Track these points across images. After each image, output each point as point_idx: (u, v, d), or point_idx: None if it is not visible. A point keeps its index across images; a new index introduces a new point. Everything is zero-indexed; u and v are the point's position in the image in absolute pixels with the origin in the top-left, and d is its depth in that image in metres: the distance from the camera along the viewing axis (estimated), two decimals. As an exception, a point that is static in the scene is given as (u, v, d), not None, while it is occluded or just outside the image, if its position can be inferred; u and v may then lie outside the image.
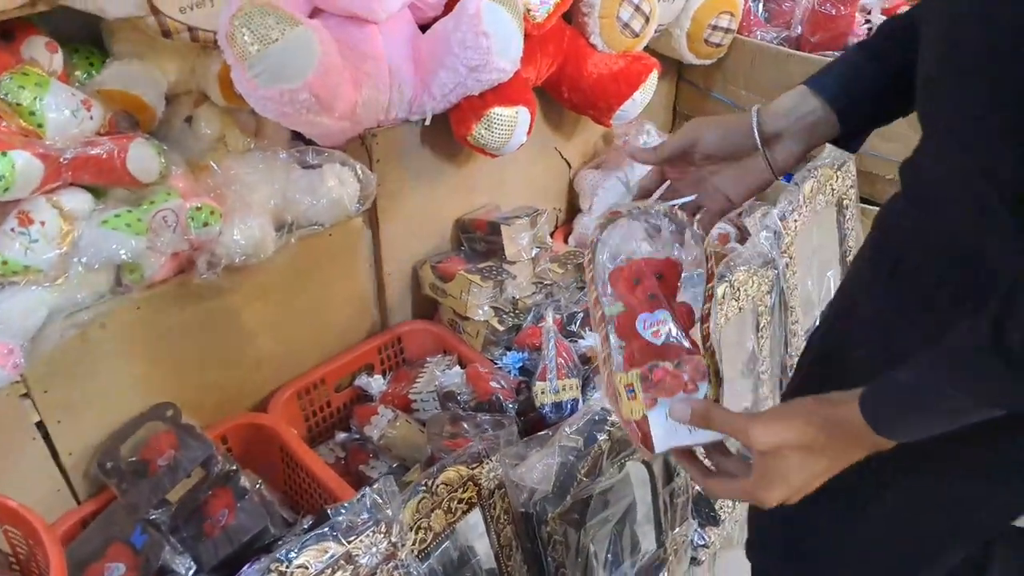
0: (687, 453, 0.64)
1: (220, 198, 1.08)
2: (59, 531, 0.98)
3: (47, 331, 0.94)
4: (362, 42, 1.07)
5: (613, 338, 0.67)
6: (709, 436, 0.61)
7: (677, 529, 1.10)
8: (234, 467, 1.02)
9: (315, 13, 1.10)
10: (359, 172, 1.13)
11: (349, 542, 0.69)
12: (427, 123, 1.16)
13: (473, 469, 0.85)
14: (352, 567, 0.70)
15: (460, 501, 0.84)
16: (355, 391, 1.30)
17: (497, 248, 1.29)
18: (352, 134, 1.15)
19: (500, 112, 1.14)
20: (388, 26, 1.09)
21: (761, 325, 1.24)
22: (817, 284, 1.36)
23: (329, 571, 0.68)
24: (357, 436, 1.23)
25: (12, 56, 0.96)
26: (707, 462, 0.65)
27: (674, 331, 0.65)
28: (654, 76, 1.33)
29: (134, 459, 1.03)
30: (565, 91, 1.33)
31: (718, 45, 1.48)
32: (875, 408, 0.51)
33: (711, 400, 0.62)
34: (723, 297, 1.13)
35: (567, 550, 0.97)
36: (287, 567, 0.65)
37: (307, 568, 0.66)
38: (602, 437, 0.93)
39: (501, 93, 1.15)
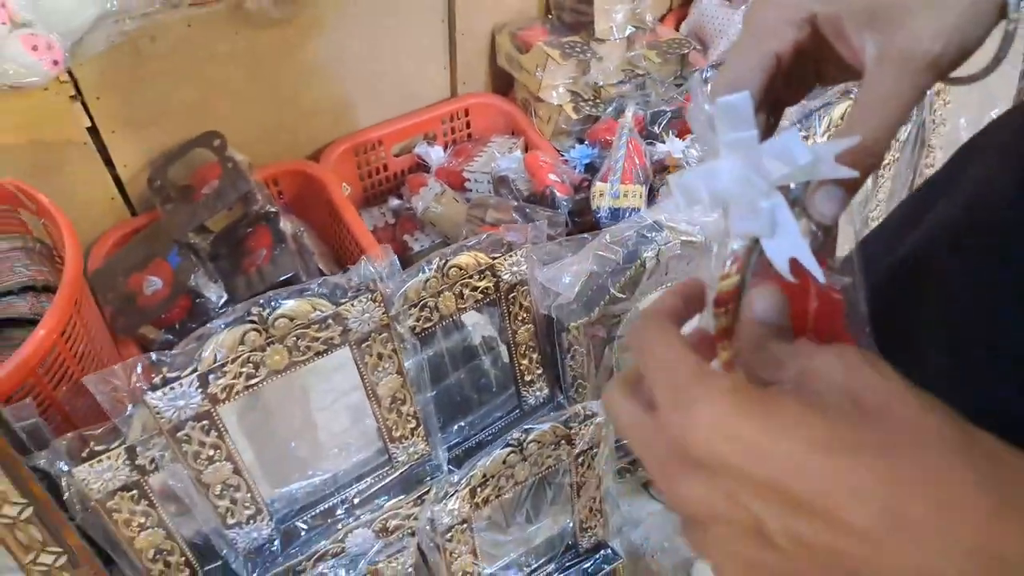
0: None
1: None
2: (113, 238, 1.03)
3: (96, 35, 0.90)
4: None
5: None
6: None
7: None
8: (274, 209, 1.01)
9: None
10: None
11: (340, 304, 0.67)
12: None
13: (494, 259, 0.79)
14: (341, 328, 0.69)
15: (474, 289, 0.80)
16: (413, 158, 1.24)
17: (587, 21, 1.13)
18: None
19: None
20: None
21: (885, 160, 1.06)
22: (972, 124, 1.12)
23: (316, 327, 0.67)
24: (408, 205, 1.20)
25: None
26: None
27: None
28: None
29: (180, 183, 1.04)
30: None
31: None
32: None
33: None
34: (843, 118, 0.95)
35: (589, 362, 0.94)
36: (268, 313, 0.64)
37: (290, 319, 0.65)
38: (648, 254, 0.84)
39: None
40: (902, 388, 0.24)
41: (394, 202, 1.23)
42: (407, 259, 1.12)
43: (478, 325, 0.93)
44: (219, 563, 0.78)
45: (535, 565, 0.96)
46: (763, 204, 0.29)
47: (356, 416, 0.85)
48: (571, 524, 0.95)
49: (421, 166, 1.24)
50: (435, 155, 1.22)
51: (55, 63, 0.85)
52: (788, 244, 0.29)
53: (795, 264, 0.29)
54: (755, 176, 0.29)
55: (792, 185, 0.31)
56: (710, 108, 0.30)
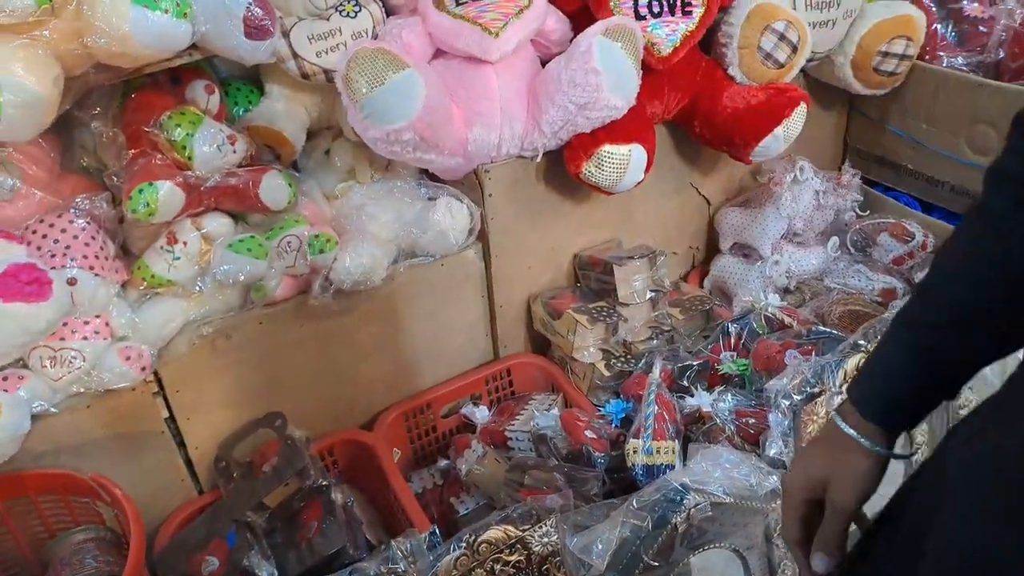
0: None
1: (341, 227, 1.16)
2: (179, 517, 1.10)
3: (180, 339, 1.06)
4: (477, 82, 1.08)
5: None
6: None
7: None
8: (326, 482, 1.08)
9: (438, 54, 1.13)
10: (468, 206, 1.14)
11: (369, 590, 0.70)
12: (537, 160, 1.14)
13: (524, 531, 0.82)
14: (371, 615, 0.71)
15: (506, 564, 0.81)
16: (460, 418, 1.31)
17: (610, 288, 1.24)
18: (468, 169, 1.16)
19: (611, 150, 1.10)
20: (505, 65, 1.09)
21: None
22: (1000, 363, 1.12)
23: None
24: (455, 466, 1.25)
25: (177, 99, 1.10)
26: None
27: None
28: (801, 110, 1.20)
29: (244, 461, 1.13)
30: (697, 126, 1.24)
31: (892, 74, 1.29)
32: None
33: None
34: (856, 369, 0.98)
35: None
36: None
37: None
38: (677, 519, 0.85)
39: (614, 130, 1.10)
40: None
41: (443, 463, 1.28)
42: (453, 523, 1.14)
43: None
44: None
45: None
46: None
47: None
48: None
49: (468, 426, 1.31)
50: (480, 415, 1.28)
51: (143, 369, 0.99)
52: None
53: None
54: None
55: None
56: None
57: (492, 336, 1.33)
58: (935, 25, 1.29)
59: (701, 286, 1.44)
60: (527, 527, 0.82)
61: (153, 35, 0.90)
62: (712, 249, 1.48)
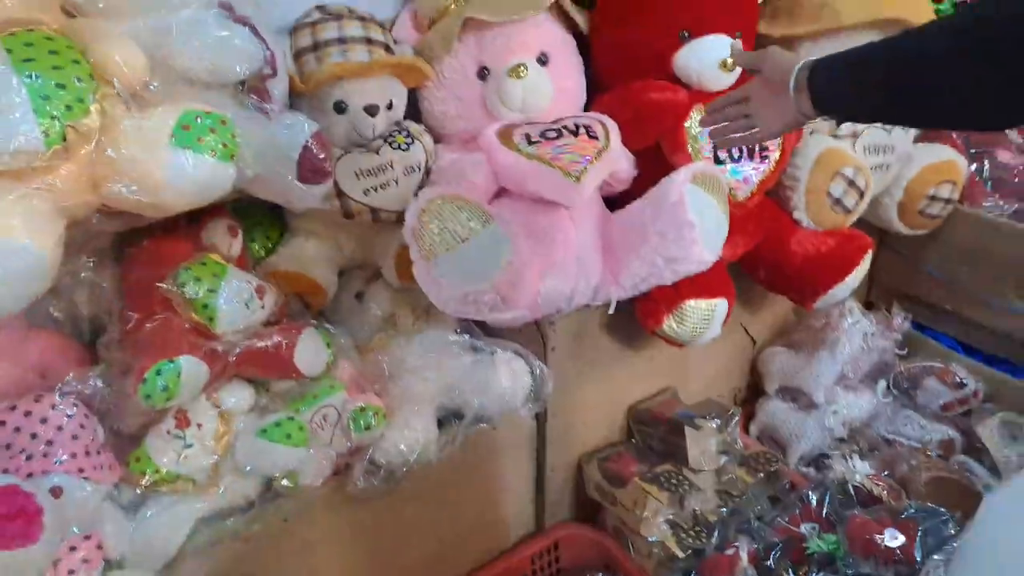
0: None
1: (384, 390, 0.98)
2: None
3: (191, 558, 0.84)
4: (552, 229, 0.96)
5: None
6: None
7: None
8: None
9: (500, 192, 1.01)
10: (535, 368, 1.00)
11: None
12: (611, 312, 1.02)
13: None
14: None
15: None
16: (503, 606, 1.12)
17: (677, 450, 1.11)
18: (528, 320, 1.02)
19: (696, 305, 1.00)
20: (579, 210, 0.98)
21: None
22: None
23: None
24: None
25: (194, 242, 0.92)
26: None
27: None
28: (868, 257, 1.15)
29: None
30: (763, 272, 1.16)
31: (935, 217, 1.28)
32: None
33: None
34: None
35: None
36: None
37: None
38: None
39: (698, 283, 1.00)
40: None
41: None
42: None
43: None
44: None
45: None
46: None
47: None
48: None
49: (512, 614, 1.12)
50: (528, 602, 1.10)
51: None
52: None
53: None
54: None
55: None
56: None
57: (537, 503, 1.16)
58: (971, 169, 1.30)
59: (746, 431, 1.34)
60: None
61: (193, 183, 0.73)
62: (753, 390, 1.39)
